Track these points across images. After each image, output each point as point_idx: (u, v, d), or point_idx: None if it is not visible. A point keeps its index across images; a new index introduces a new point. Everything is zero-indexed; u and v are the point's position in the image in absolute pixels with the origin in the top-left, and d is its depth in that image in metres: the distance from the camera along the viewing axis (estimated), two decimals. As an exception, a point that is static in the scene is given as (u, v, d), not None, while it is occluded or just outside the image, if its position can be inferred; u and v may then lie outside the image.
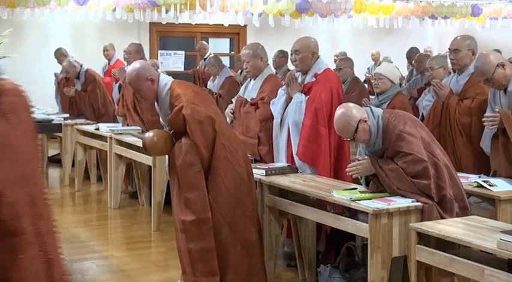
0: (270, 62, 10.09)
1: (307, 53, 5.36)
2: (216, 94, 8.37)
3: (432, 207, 4.08)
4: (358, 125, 4.18)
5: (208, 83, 9.19)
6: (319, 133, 5.15)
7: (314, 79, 5.31)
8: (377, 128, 4.22)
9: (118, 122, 8.52)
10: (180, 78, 5.04)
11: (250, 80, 6.00)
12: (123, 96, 7.89)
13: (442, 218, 4.07)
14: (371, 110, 4.28)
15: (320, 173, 5.11)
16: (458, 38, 5.54)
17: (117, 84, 8.46)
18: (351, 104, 4.35)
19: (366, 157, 4.27)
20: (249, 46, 6.07)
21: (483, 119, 4.91)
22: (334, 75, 5.51)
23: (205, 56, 11.75)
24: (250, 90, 5.93)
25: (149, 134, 4.67)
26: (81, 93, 9.16)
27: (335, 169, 5.25)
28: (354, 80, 8.12)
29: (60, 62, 9.95)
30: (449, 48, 5.50)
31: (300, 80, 5.45)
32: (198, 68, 11.91)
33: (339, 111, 4.29)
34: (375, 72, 6.00)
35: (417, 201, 4.11)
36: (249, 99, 5.85)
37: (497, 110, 4.81)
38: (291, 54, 5.52)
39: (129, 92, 7.82)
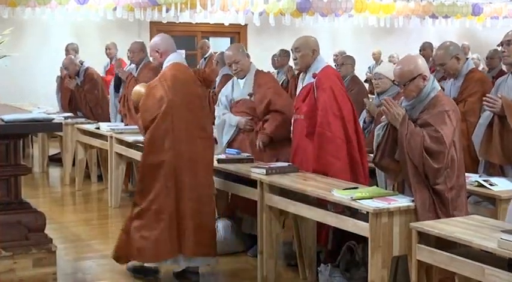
0: (269, 61, 10.13)
1: (307, 50, 5.31)
2: (212, 92, 8.29)
3: (425, 201, 4.07)
4: (416, 77, 4.17)
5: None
6: (326, 140, 5.07)
7: (313, 79, 5.28)
8: (427, 95, 4.20)
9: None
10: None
11: (237, 79, 6.03)
12: (125, 95, 7.88)
13: (436, 213, 4.07)
14: (433, 79, 4.28)
15: (337, 176, 5.00)
16: (439, 52, 5.47)
17: (113, 83, 8.42)
18: (421, 58, 4.35)
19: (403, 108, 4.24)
20: (233, 47, 6.12)
21: (484, 98, 4.79)
22: (332, 72, 5.40)
23: (206, 55, 11.74)
24: (242, 89, 5.95)
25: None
26: (79, 88, 9.19)
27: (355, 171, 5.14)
28: (353, 78, 8.12)
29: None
30: (434, 63, 5.49)
31: (300, 79, 5.45)
32: (198, 67, 11.89)
33: (409, 56, 4.33)
34: (375, 72, 5.97)
35: (414, 190, 4.09)
36: (243, 97, 5.91)
37: (499, 95, 4.77)
38: (292, 53, 5.49)
39: (131, 91, 7.82)
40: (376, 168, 4.52)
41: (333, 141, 5.06)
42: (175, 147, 4.95)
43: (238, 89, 6.01)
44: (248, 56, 6.00)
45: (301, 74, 5.47)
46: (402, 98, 4.35)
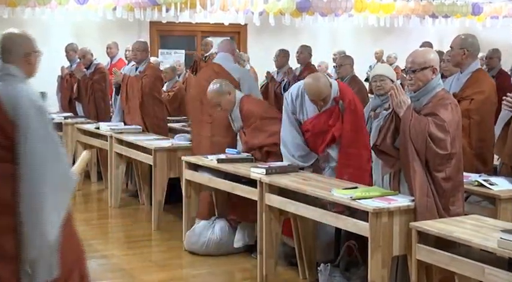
0: (268, 60, 10.12)
1: (328, 91, 5.20)
2: None
3: (424, 186, 4.06)
4: (428, 67, 4.23)
5: None
6: (360, 158, 5.13)
7: (334, 103, 5.24)
8: (433, 88, 4.25)
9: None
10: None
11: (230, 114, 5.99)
12: (126, 94, 7.90)
13: (433, 198, 4.07)
14: (440, 77, 4.35)
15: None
16: (457, 36, 5.55)
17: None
18: (435, 53, 4.40)
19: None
20: (213, 87, 5.89)
21: (504, 98, 4.75)
22: (347, 89, 5.45)
23: (207, 54, 11.74)
24: (236, 122, 5.94)
25: None
26: (86, 78, 9.28)
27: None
28: (353, 78, 8.10)
29: (69, 56, 10.01)
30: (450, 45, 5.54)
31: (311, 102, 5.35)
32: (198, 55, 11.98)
33: (426, 48, 4.53)
34: (375, 74, 5.74)
35: (413, 175, 4.09)
36: (239, 128, 5.92)
37: None
38: (314, 102, 5.28)
39: (130, 90, 7.84)
40: (373, 158, 4.51)
41: (364, 156, 5.09)
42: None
43: (233, 123, 6.01)
44: (229, 92, 5.85)
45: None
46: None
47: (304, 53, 9.29)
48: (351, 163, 5.15)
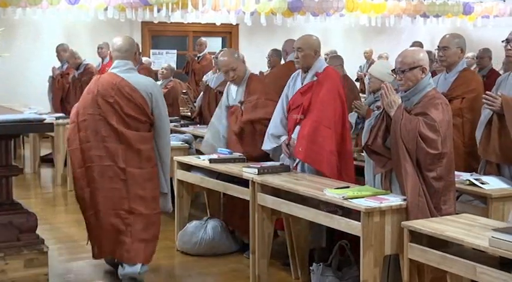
0: (260, 60, 10.12)
1: (309, 51, 5.29)
2: (215, 90, 8.24)
3: (416, 186, 4.08)
4: (416, 67, 4.24)
5: (210, 72, 9.08)
6: (322, 135, 5.10)
7: (315, 78, 5.28)
8: (422, 88, 4.26)
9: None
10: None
11: (229, 85, 5.98)
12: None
13: (425, 198, 4.08)
14: (430, 76, 4.36)
15: (325, 174, 5.03)
16: (447, 35, 5.56)
17: None
18: (425, 52, 4.42)
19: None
20: (227, 53, 5.97)
21: (483, 96, 4.76)
22: (337, 74, 5.46)
23: (200, 54, 11.74)
24: (236, 95, 5.91)
25: None
26: (75, 80, 9.33)
27: (339, 169, 5.16)
28: (344, 77, 8.08)
29: (60, 57, 10.00)
30: (438, 46, 5.51)
31: (300, 78, 5.40)
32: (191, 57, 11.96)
33: (415, 47, 4.70)
34: (368, 72, 5.97)
35: (405, 175, 4.10)
36: (237, 104, 5.87)
37: (499, 94, 4.74)
38: (294, 52, 5.39)
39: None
40: (365, 161, 4.52)
41: (329, 137, 5.07)
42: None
43: (231, 97, 5.98)
44: (244, 61, 5.92)
45: (302, 73, 5.41)
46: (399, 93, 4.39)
47: None
48: (318, 139, 5.08)
